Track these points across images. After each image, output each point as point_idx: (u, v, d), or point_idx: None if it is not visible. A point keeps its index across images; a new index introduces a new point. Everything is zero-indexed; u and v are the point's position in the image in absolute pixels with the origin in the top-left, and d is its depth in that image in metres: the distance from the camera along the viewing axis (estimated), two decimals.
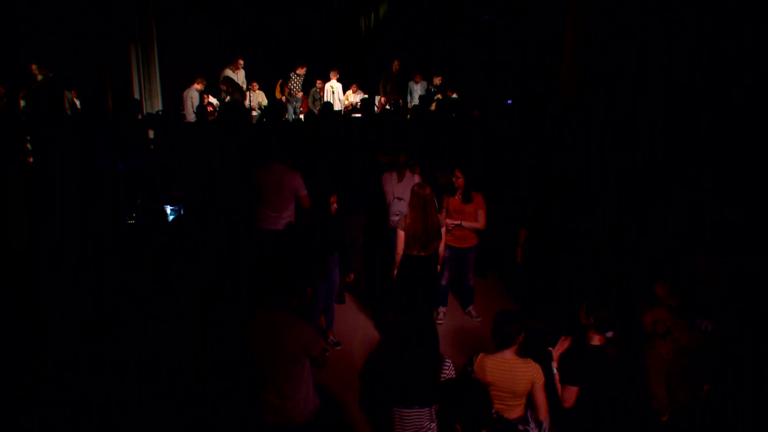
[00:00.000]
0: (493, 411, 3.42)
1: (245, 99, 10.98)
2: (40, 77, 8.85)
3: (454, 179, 5.76)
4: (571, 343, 3.65)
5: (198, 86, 10.38)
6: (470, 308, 6.22)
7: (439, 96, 11.34)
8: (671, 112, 7.14)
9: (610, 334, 3.60)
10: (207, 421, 4.44)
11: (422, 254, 5.12)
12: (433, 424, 3.38)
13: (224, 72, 10.98)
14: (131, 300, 5.51)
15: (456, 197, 5.80)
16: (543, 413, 3.48)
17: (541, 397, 3.45)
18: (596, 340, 3.59)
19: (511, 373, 3.42)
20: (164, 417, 4.38)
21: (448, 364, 3.40)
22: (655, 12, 7.47)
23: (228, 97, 10.65)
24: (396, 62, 12.19)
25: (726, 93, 6.46)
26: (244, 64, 11.27)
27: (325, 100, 11.47)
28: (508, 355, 3.45)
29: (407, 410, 3.34)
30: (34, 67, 8.82)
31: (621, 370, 3.61)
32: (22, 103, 8.42)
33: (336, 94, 11.93)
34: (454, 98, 11.34)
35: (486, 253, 6.61)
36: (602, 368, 3.53)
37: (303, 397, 3.42)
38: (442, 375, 3.32)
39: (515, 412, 3.49)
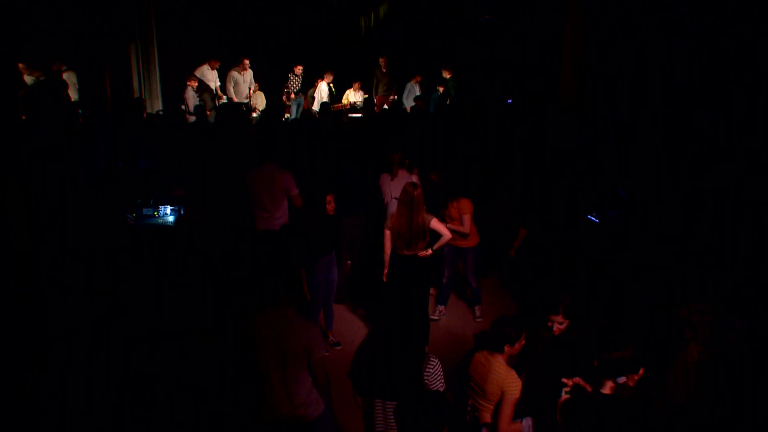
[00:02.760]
0: (468, 404, 3.34)
1: (216, 99, 10.88)
2: (29, 78, 8.85)
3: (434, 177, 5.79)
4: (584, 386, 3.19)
5: (192, 84, 10.36)
6: (476, 307, 6.18)
7: (440, 89, 11.29)
8: (671, 112, 7.14)
9: (622, 380, 3.11)
10: (208, 422, 4.44)
11: (405, 252, 5.15)
12: None
13: (198, 69, 10.81)
14: (131, 300, 5.52)
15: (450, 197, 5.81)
16: (502, 427, 3.25)
17: (505, 412, 3.21)
18: (606, 388, 3.11)
19: (487, 369, 3.28)
20: (164, 417, 4.38)
21: (434, 362, 3.36)
22: (655, 12, 7.47)
23: (198, 98, 10.59)
24: (382, 60, 12.13)
25: (726, 93, 6.46)
26: (249, 64, 11.13)
27: (317, 100, 11.49)
28: (498, 357, 3.31)
29: (390, 403, 3.36)
30: (21, 66, 8.82)
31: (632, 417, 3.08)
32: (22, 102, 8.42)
33: (324, 95, 11.92)
34: (452, 94, 11.34)
35: (486, 252, 6.60)
36: (609, 419, 3.03)
37: (306, 396, 3.38)
38: (425, 371, 3.31)
39: (485, 417, 3.34)
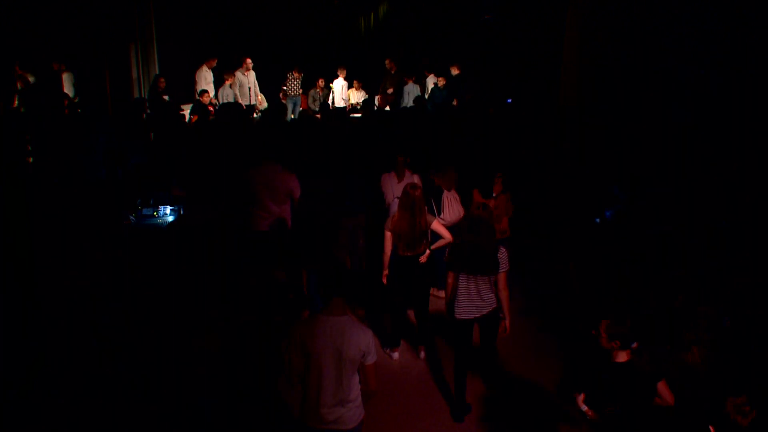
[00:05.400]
0: None
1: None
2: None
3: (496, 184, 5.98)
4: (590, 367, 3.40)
5: (228, 81, 10.28)
6: None
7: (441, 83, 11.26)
8: (671, 111, 7.14)
9: (635, 345, 3.37)
10: (208, 424, 4.44)
11: (407, 254, 5.14)
12: (492, 294, 4.44)
13: (199, 70, 10.73)
14: (131, 301, 5.52)
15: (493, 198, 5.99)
16: None
17: None
18: (623, 357, 3.33)
19: None
20: (165, 418, 4.38)
21: (503, 251, 4.38)
22: (655, 11, 7.48)
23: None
24: (387, 61, 12.20)
25: (727, 92, 6.46)
26: (252, 65, 11.01)
27: (337, 98, 11.49)
28: None
29: (473, 276, 4.39)
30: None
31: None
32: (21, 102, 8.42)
33: (339, 92, 11.90)
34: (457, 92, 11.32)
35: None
36: (638, 383, 3.27)
37: (354, 400, 3.33)
38: (499, 256, 4.35)
39: None
